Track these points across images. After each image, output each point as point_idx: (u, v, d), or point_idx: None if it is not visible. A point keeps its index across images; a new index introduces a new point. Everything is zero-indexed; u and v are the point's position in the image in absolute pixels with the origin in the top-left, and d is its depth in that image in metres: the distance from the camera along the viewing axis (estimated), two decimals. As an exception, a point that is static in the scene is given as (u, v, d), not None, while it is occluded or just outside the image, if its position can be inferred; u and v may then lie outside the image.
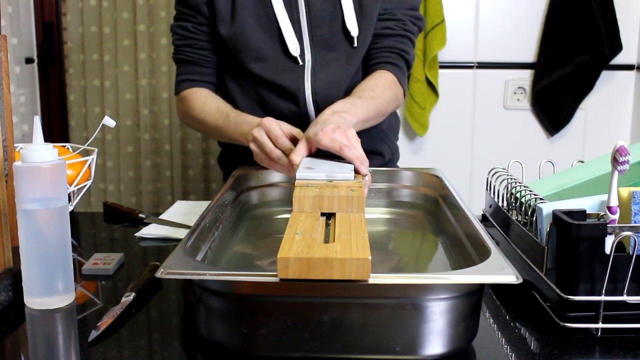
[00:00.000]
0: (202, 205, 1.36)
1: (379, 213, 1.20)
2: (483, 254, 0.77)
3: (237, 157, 1.42)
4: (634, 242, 0.75)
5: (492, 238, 0.83)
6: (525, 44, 2.54)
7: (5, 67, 0.97)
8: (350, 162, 0.98)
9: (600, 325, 0.77)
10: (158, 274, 0.69)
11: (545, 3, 2.49)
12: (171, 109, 2.60)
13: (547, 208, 0.84)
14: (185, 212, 1.35)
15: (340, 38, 1.33)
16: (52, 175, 0.84)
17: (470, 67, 2.56)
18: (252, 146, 1.10)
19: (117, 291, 0.95)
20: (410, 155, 2.62)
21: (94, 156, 1.20)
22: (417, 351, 0.70)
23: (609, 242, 0.76)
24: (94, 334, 0.77)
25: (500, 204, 1.05)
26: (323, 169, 0.95)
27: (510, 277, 0.69)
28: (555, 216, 0.79)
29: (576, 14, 2.41)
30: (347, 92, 1.34)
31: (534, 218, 0.87)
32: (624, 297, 0.77)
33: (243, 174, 1.22)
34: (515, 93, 2.57)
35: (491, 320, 0.84)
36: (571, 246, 0.76)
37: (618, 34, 2.41)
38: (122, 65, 2.56)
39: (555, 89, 2.49)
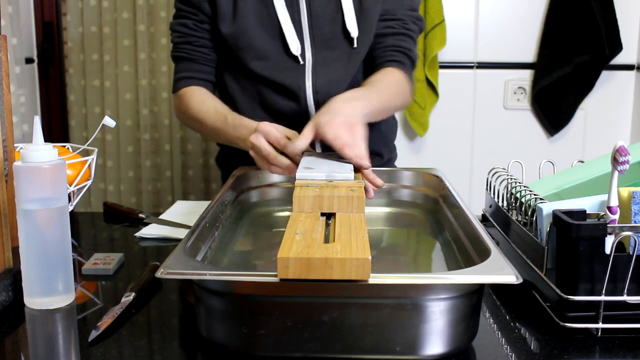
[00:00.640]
0: (202, 205, 1.36)
1: (379, 213, 1.20)
2: (483, 254, 0.77)
3: (235, 157, 1.42)
4: (634, 242, 0.75)
5: (492, 238, 0.83)
6: (525, 44, 2.54)
7: (5, 67, 0.97)
8: (349, 162, 0.98)
9: (600, 325, 0.77)
10: (158, 274, 0.69)
11: (545, 3, 2.49)
12: (171, 109, 2.60)
13: (547, 208, 0.84)
14: (185, 212, 1.35)
15: (340, 38, 1.33)
16: (52, 175, 0.84)
17: (470, 67, 2.56)
18: (252, 153, 1.10)
19: (117, 291, 0.95)
20: (410, 155, 2.62)
21: (94, 156, 1.20)
22: (417, 351, 0.70)
23: (609, 242, 0.76)
24: (94, 334, 0.77)
25: (500, 204, 1.05)
26: (323, 169, 0.95)
27: (510, 277, 0.69)
28: (555, 216, 0.79)
29: (576, 14, 2.41)
30: (345, 90, 1.34)
31: (534, 218, 0.87)
32: (624, 297, 0.77)
33: (243, 174, 1.22)
34: (515, 93, 2.57)
35: (491, 320, 0.84)
36: (571, 246, 0.76)
37: (618, 34, 2.41)
38: (122, 65, 2.56)
39: (555, 89, 2.49)
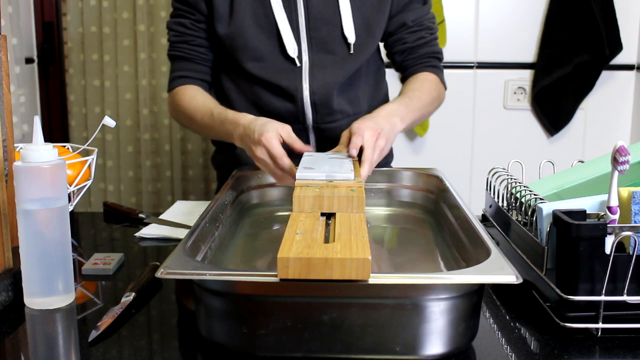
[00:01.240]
0: (202, 205, 1.36)
1: (379, 213, 1.20)
2: (483, 254, 0.77)
3: (230, 158, 1.42)
4: (634, 242, 0.75)
5: (492, 238, 0.83)
6: (525, 44, 2.54)
7: (5, 67, 0.97)
8: (349, 152, 1.05)
9: (600, 325, 0.77)
10: (158, 274, 0.69)
11: (545, 3, 2.49)
12: (171, 109, 2.60)
13: (547, 208, 0.84)
14: (185, 212, 1.35)
15: (338, 42, 1.33)
16: (52, 175, 0.84)
17: (470, 67, 2.56)
18: (259, 164, 1.11)
19: (117, 291, 0.95)
20: (410, 155, 2.62)
21: (94, 156, 1.20)
22: (417, 351, 0.70)
23: (609, 242, 0.76)
24: (94, 334, 0.77)
25: (500, 204, 1.05)
26: (323, 169, 0.95)
27: (510, 277, 0.69)
28: (555, 216, 0.79)
29: (576, 14, 2.41)
30: (343, 92, 1.35)
31: (534, 218, 0.87)
32: (624, 297, 0.77)
33: (243, 174, 1.22)
34: (515, 93, 2.57)
35: (491, 320, 0.84)
36: (571, 246, 0.76)
37: (618, 34, 2.41)
38: (122, 65, 2.56)
39: (555, 89, 2.49)
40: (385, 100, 1.50)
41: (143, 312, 0.86)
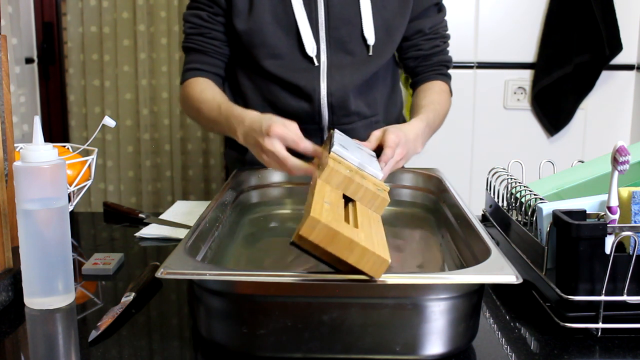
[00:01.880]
0: (202, 205, 1.36)
1: (379, 213, 1.20)
2: (483, 254, 0.77)
3: (243, 153, 1.41)
4: (634, 242, 0.75)
5: (492, 238, 0.83)
6: (525, 44, 2.54)
7: (5, 67, 0.97)
8: (379, 159, 1.04)
9: (600, 325, 0.77)
10: (158, 274, 0.69)
11: (545, 3, 2.49)
12: (171, 109, 2.60)
13: (547, 208, 0.84)
14: (185, 212, 1.35)
15: (357, 43, 1.33)
16: (52, 175, 0.84)
17: (470, 67, 2.56)
18: (265, 157, 1.07)
19: (117, 291, 0.95)
20: (410, 155, 2.62)
21: (94, 156, 1.20)
22: (417, 351, 0.70)
23: (609, 242, 0.76)
24: (94, 334, 0.77)
25: (500, 204, 1.05)
26: (356, 155, 0.93)
27: (510, 277, 0.69)
28: (555, 216, 0.79)
29: (576, 14, 2.41)
30: (360, 94, 1.35)
31: (534, 218, 0.87)
32: (624, 297, 0.77)
33: (243, 174, 1.22)
34: (515, 93, 2.57)
35: (491, 320, 0.84)
36: (571, 246, 0.76)
37: (618, 34, 2.41)
38: (122, 65, 2.56)
39: (555, 89, 2.49)
40: (400, 104, 1.51)
41: (143, 312, 0.86)
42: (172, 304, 0.92)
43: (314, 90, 1.32)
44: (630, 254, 0.76)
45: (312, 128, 1.33)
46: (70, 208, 1.16)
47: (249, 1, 1.30)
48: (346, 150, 0.93)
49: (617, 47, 2.42)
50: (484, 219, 1.12)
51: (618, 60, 2.48)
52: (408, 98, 2.47)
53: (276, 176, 1.23)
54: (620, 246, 0.80)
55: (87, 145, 1.22)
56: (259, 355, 0.71)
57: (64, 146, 1.22)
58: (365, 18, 1.31)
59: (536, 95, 2.52)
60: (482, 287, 0.73)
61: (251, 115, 1.13)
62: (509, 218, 0.98)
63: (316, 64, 1.31)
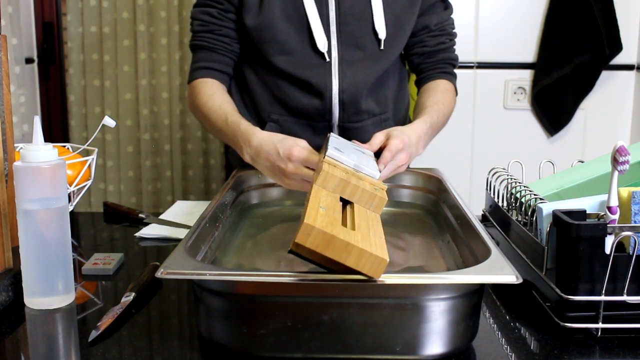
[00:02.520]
0: (202, 205, 1.36)
1: (379, 213, 1.20)
2: (483, 254, 0.77)
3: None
4: (634, 242, 0.75)
5: (492, 238, 0.83)
6: (525, 44, 2.54)
7: (5, 67, 0.97)
8: (378, 159, 1.03)
9: (600, 325, 0.77)
10: (158, 274, 0.69)
11: (545, 3, 2.49)
12: (171, 109, 2.60)
13: (547, 208, 0.84)
14: (185, 212, 1.35)
15: (369, 38, 1.32)
16: (52, 175, 0.84)
17: (470, 67, 2.56)
18: (288, 181, 1.06)
19: (117, 291, 0.95)
20: (410, 155, 2.62)
21: (94, 156, 1.20)
22: (417, 351, 0.70)
23: (609, 242, 0.76)
24: (94, 334, 0.77)
25: (500, 204, 1.05)
26: (352, 157, 0.93)
27: (510, 277, 0.69)
28: (555, 216, 0.79)
29: (576, 14, 2.41)
30: (371, 92, 1.35)
31: (534, 218, 0.87)
32: (624, 297, 0.77)
33: (243, 174, 1.22)
34: (515, 93, 2.57)
35: (491, 320, 0.84)
36: (571, 246, 0.76)
37: (618, 34, 2.41)
38: (122, 65, 2.56)
39: (555, 89, 2.49)
40: (407, 102, 1.50)
41: (143, 312, 0.86)
42: (172, 304, 0.92)
43: (326, 87, 1.31)
44: (630, 254, 0.76)
45: (322, 125, 1.33)
46: (70, 208, 1.16)
47: None
48: (341, 153, 0.93)
49: (617, 47, 2.42)
50: (484, 219, 1.12)
51: (618, 60, 2.48)
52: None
53: (276, 176, 1.23)
54: (620, 246, 0.80)
55: (87, 145, 1.22)
56: (259, 355, 0.71)
57: (64, 146, 1.22)
58: (376, 12, 1.31)
59: (536, 95, 2.52)
60: (482, 287, 0.73)
61: (259, 137, 1.10)
62: (509, 218, 0.98)
63: (327, 59, 1.31)
